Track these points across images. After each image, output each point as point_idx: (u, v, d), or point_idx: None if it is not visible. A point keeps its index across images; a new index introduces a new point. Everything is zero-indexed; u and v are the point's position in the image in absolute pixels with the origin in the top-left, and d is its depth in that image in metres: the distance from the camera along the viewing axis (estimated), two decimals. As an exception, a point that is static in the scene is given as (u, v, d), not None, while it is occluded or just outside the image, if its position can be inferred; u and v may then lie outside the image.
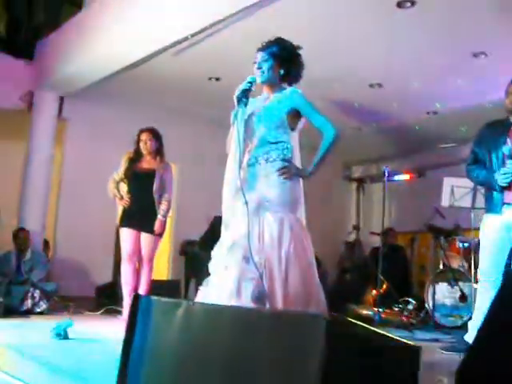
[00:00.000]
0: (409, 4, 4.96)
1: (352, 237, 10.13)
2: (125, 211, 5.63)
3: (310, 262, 2.90)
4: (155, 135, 5.78)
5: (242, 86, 3.02)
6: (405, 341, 1.80)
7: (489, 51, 5.83)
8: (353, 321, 1.49)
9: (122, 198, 5.64)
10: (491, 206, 3.91)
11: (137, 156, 5.72)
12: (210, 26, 5.26)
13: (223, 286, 2.76)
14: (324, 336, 1.44)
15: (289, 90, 3.11)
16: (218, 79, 7.13)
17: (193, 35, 5.40)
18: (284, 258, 2.78)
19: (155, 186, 5.57)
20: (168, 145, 5.90)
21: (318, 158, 3.00)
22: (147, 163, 5.72)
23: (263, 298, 2.69)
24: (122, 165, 5.72)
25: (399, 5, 4.98)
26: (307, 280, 2.82)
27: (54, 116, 7.30)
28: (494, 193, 3.88)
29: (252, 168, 3.00)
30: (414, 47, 5.88)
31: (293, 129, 3.06)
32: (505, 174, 3.75)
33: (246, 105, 3.02)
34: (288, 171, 2.95)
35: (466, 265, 6.47)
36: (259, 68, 3.08)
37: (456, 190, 5.95)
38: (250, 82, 3.02)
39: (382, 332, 1.63)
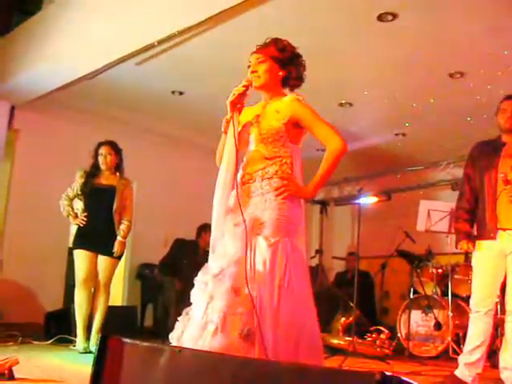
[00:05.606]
0: (390, 17, 4.71)
1: (315, 262, 9.80)
2: (80, 231, 5.19)
3: (305, 297, 2.49)
4: (115, 149, 5.39)
5: (236, 89, 2.63)
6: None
7: (466, 71, 5.64)
8: (406, 380, 1.14)
9: (76, 216, 5.20)
10: (484, 232, 3.66)
11: (94, 171, 5.32)
12: (178, 33, 4.89)
13: (206, 319, 2.36)
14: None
15: (289, 97, 2.71)
16: (181, 93, 6.77)
17: (159, 42, 5.02)
18: (276, 292, 2.38)
19: (115, 204, 5.16)
20: (125, 161, 5.49)
21: (321, 175, 2.58)
22: (106, 179, 5.31)
23: (252, 337, 2.29)
24: (77, 180, 5.29)
25: (380, 18, 4.73)
26: (300, 317, 2.42)
27: (4, 126, 6.76)
28: (487, 218, 3.64)
29: (246, 186, 2.61)
30: (388, 64, 5.65)
31: (293, 142, 2.65)
32: None
33: (240, 111, 2.65)
34: (287, 190, 2.54)
35: (438, 291, 6.21)
36: (254, 71, 2.68)
37: (432, 214, 5.69)
38: (245, 86, 2.63)
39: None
